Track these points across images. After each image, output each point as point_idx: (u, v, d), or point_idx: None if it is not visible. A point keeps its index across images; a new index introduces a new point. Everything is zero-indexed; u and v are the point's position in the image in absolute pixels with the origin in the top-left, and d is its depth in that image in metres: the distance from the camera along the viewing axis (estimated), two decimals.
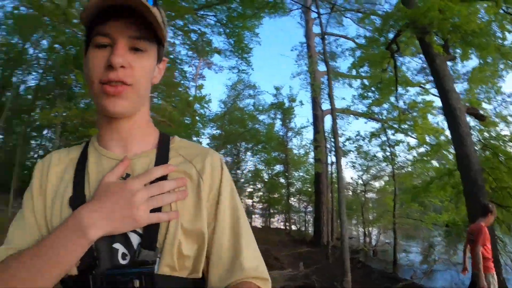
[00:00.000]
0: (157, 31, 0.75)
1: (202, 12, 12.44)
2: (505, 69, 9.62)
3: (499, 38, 7.75)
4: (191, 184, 0.80)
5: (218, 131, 21.67)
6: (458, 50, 8.08)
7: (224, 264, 0.77)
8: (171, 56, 11.68)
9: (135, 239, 0.73)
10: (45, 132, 19.95)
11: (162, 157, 0.82)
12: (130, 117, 0.81)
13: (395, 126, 11.91)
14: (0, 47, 14.19)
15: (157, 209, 0.74)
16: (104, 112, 0.77)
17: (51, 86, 15.56)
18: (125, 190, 0.72)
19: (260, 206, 26.43)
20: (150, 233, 0.73)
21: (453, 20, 6.60)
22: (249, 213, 26.16)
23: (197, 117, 13.39)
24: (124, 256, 0.73)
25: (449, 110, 6.99)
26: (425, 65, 11.24)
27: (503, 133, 9.22)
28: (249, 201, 26.41)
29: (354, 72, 13.64)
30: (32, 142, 21.38)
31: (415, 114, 11.09)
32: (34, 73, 16.68)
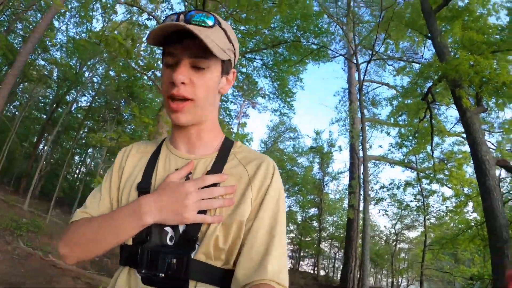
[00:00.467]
0: (213, 50, 0.81)
1: (250, 55, 13.34)
2: None
3: None
4: (241, 185, 0.89)
5: None
6: (494, 100, 8.12)
7: (252, 261, 0.82)
8: None
9: (181, 226, 0.85)
10: (89, 150, 21.19)
11: (220, 160, 0.93)
12: (196, 124, 0.93)
13: (431, 175, 11.76)
14: (59, 67, 15.52)
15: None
16: (172, 123, 0.92)
17: (102, 109, 16.69)
18: (181, 190, 0.84)
19: (290, 248, 26.06)
20: (194, 224, 0.84)
21: (484, 72, 6.78)
22: None
23: None
24: (171, 238, 0.85)
25: (477, 163, 7.00)
26: None
27: None
28: None
29: (392, 120, 13.81)
30: (76, 158, 22.79)
31: (451, 164, 10.95)
32: (87, 95, 17.99)
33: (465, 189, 10.82)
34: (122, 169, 0.98)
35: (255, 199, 0.88)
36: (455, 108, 7.89)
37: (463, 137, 11.85)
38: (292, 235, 24.78)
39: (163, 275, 0.80)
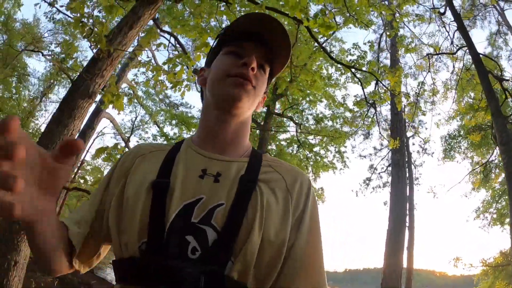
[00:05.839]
0: (278, 59, 0.89)
1: None
2: None
3: None
4: (280, 196, 0.79)
5: None
6: None
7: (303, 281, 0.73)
8: None
9: (211, 235, 0.69)
10: None
11: (254, 165, 0.82)
12: (239, 120, 0.86)
13: None
14: None
15: (240, 215, 0.70)
16: (224, 97, 0.82)
17: None
18: None
19: None
20: (229, 234, 0.69)
21: None
22: None
23: None
24: (194, 251, 0.67)
25: None
26: None
27: None
28: None
29: None
30: None
31: None
32: None
33: None
34: (126, 170, 0.83)
35: (294, 211, 0.78)
36: None
37: None
38: None
39: None
